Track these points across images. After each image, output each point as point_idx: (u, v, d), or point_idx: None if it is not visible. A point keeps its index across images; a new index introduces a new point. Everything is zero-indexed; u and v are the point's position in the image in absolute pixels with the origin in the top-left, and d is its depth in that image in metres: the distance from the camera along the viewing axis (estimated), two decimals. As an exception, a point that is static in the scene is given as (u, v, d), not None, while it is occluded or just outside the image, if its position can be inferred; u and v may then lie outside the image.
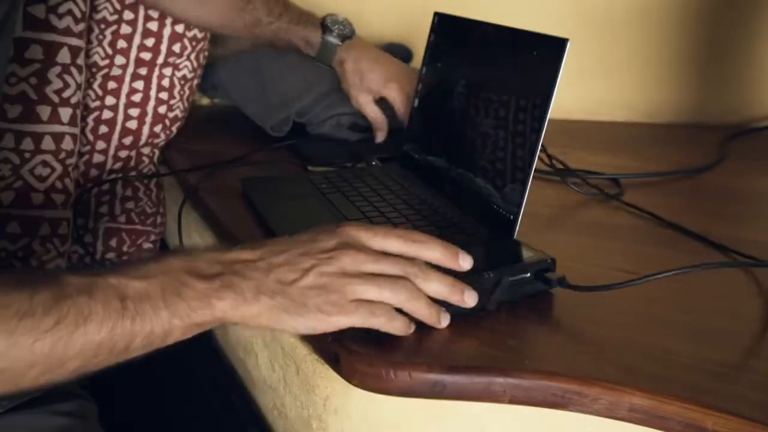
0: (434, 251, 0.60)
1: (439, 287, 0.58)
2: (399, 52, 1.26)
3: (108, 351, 0.49)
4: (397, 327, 0.57)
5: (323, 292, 0.54)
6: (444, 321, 0.59)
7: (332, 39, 0.99)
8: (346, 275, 0.55)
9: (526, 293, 0.65)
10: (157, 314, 0.50)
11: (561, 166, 1.03)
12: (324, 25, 1.00)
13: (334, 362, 0.59)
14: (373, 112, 1.04)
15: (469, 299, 0.59)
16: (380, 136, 1.06)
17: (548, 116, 0.70)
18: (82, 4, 0.90)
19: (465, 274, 0.61)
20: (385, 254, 0.58)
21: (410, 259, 0.59)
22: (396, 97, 1.02)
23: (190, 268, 0.53)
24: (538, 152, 0.71)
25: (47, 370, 0.48)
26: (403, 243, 0.59)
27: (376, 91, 1.02)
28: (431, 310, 0.58)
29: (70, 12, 0.89)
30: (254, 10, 0.97)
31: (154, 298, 0.50)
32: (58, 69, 0.88)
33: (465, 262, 0.60)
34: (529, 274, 0.65)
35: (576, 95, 1.32)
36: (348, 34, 1.02)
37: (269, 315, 0.53)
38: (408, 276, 0.57)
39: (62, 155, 0.90)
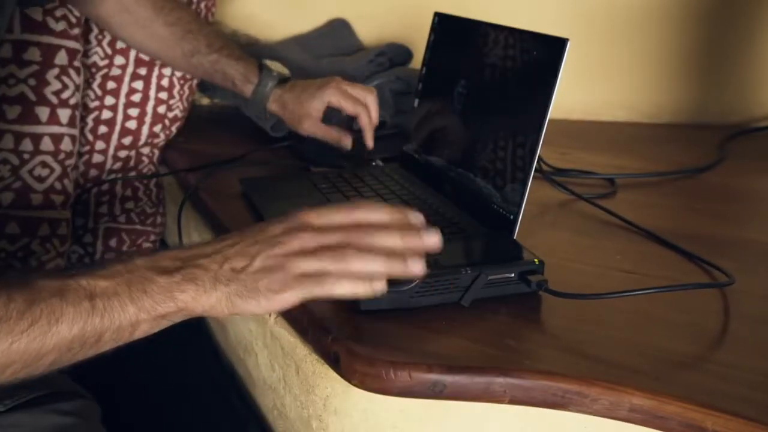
0: (380, 213, 0.59)
1: (389, 239, 0.57)
2: (399, 52, 1.26)
3: (80, 346, 0.53)
4: (346, 291, 0.56)
5: (269, 273, 0.56)
6: (413, 267, 0.57)
7: (269, 78, 0.97)
8: (290, 254, 0.56)
9: (512, 293, 0.65)
10: (125, 310, 0.54)
11: (558, 167, 1.03)
12: (261, 65, 0.99)
13: (334, 362, 0.59)
14: (325, 132, 0.98)
15: (429, 239, 0.58)
16: (347, 143, 0.99)
17: (548, 116, 0.70)
18: (73, 8, 0.90)
19: (444, 270, 0.63)
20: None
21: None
22: (338, 98, 0.96)
23: (153, 265, 0.56)
24: (538, 152, 0.71)
25: (24, 367, 0.52)
26: (347, 213, 0.59)
27: (318, 107, 0.96)
28: (390, 262, 0.57)
29: (65, 15, 0.89)
30: (194, 39, 0.97)
31: (121, 295, 0.54)
32: (56, 71, 0.88)
33: (416, 218, 0.59)
34: (513, 275, 0.65)
35: (576, 95, 1.32)
36: (285, 78, 0.99)
37: (225, 302, 0.56)
38: (354, 240, 0.57)
39: (61, 156, 0.90)
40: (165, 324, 0.56)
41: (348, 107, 0.96)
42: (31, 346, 0.51)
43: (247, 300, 0.56)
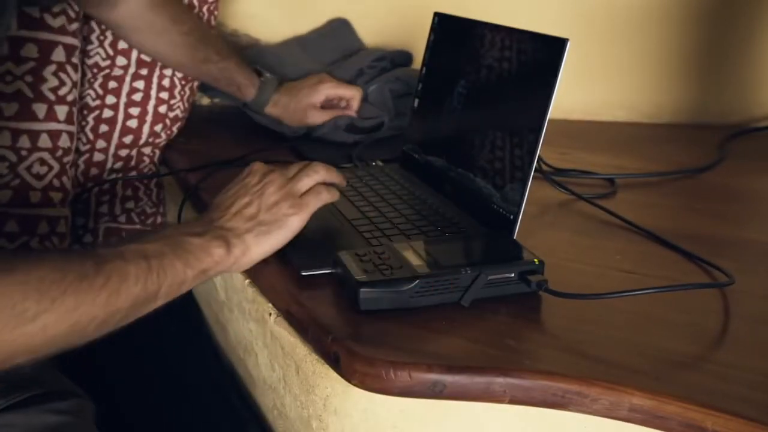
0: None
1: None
2: (398, 56, 1.26)
3: (143, 302, 0.59)
4: (334, 194, 0.72)
5: (281, 204, 0.68)
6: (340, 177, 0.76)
7: (269, 84, 1.08)
8: (284, 186, 0.69)
9: (512, 293, 0.66)
10: (173, 266, 0.61)
11: (558, 167, 1.03)
12: (258, 71, 1.09)
13: (334, 362, 0.59)
14: (330, 114, 1.10)
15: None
16: (352, 108, 1.12)
17: (548, 116, 0.70)
18: (75, 4, 0.90)
19: (444, 270, 0.64)
20: None
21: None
22: (334, 90, 1.10)
23: (184, 231, 0.65)
24: (538, 152, 0.71)
25: (102, 323, 0.57)
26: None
27: (318, 100, 1.09)
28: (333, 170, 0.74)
29: (64, 11, 0.89)
30: (206, 48, 1.03)
31: (168, 255, 0.61)
32: (53, 67, 0.88)
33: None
34: (513, 275, 0.65)
35: (576, 95, 1.32)
36: (279, 81, 1.10)
37: (256, 246, 0.66)
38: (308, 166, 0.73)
39: (59, 153, 0.89)
40: (202, 279, 0.64)
41: (345, 93, 1.11)
42: (109, 301, 0.57)
43: (275, 233, 0.67)
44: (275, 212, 0.67)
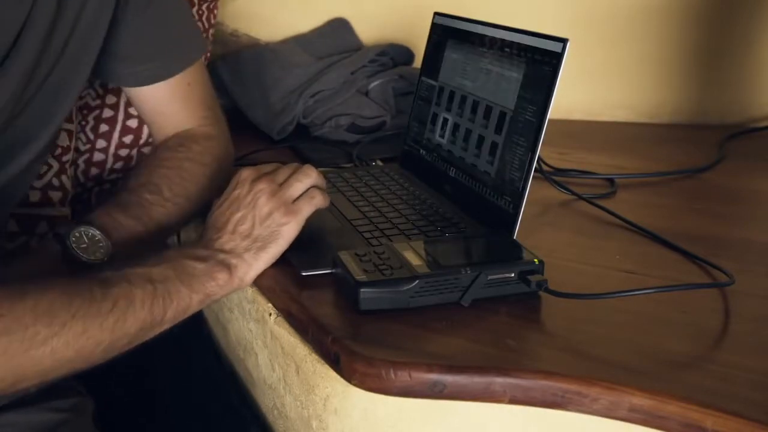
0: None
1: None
2: (401, 52, 1.26)
3: (150, 326, 0.60)
4: (327, 199, 0.71)
5: (274, 214, 0.67)
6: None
7: None
8: (275, 193, 0.67)
9: (512, 293, 0.66)
10: (179, 291, 0.61)
11: (558, 167, 1.03)
12: None
13: (334, 362, 0.59)
14: None
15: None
16: None
17: (548, 116, 0.70)
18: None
19: (444, 270, 0.64)
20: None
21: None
22: None
23: (186, 255, 0.64)
24: (538, 152, 0.71)
25: (108, 347, 0.57)
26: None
27: None
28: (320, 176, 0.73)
29: None
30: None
31: (172, 279, 0.61)
32: None
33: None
34: (513, 275, 0.65)
35: (576, 95, 1.32)
36: None
37: (256, 262, 0.66)
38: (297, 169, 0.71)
39: (58, 151, 0.89)
40: (207, 303, 0.64)
41: None
42: (116, 326, 0.57)
43: (272, 246, 0.66)
44: (269, 224, 0.67)
